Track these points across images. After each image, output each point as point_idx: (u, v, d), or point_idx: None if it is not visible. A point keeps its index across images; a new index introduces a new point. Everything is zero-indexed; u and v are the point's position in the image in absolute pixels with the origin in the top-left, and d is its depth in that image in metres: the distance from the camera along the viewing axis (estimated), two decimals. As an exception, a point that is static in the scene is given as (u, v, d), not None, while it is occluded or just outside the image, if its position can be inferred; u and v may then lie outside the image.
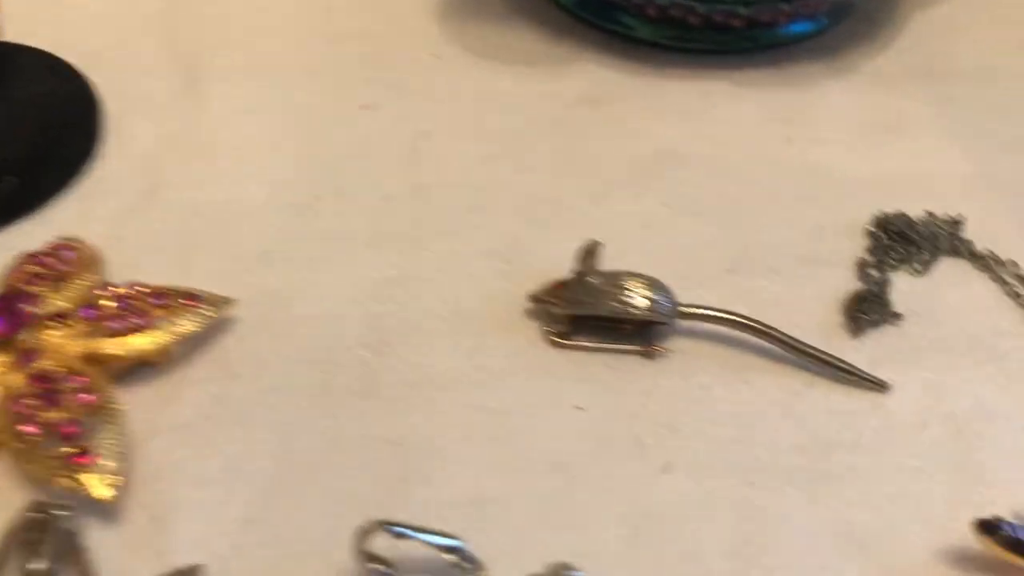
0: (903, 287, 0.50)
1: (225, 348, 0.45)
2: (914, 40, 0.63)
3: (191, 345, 0.44)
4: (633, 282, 0.46)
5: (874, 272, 0.50)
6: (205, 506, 0.40)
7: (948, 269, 0.51)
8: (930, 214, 0.53)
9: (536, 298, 0.46)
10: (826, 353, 0.45)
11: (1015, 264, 0.50)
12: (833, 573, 0.39)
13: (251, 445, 0.42)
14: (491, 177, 0.53)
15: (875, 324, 0.48)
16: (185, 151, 0.53)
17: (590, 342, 0.46)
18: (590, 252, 0.45)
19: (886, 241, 0.51)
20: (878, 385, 0.45)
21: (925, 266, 0.51)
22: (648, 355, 0.46)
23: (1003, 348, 0.47)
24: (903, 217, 0.52)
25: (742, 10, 0.58)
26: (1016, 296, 0.49)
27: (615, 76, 0.59)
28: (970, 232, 0.52)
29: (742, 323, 0.46)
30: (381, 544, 0.37)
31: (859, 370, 0.45)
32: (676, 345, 0.46)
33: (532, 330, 0.47)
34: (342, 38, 0.60)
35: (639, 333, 0.46)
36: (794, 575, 0.39)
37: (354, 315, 0.46)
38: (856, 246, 0.51)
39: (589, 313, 0.46)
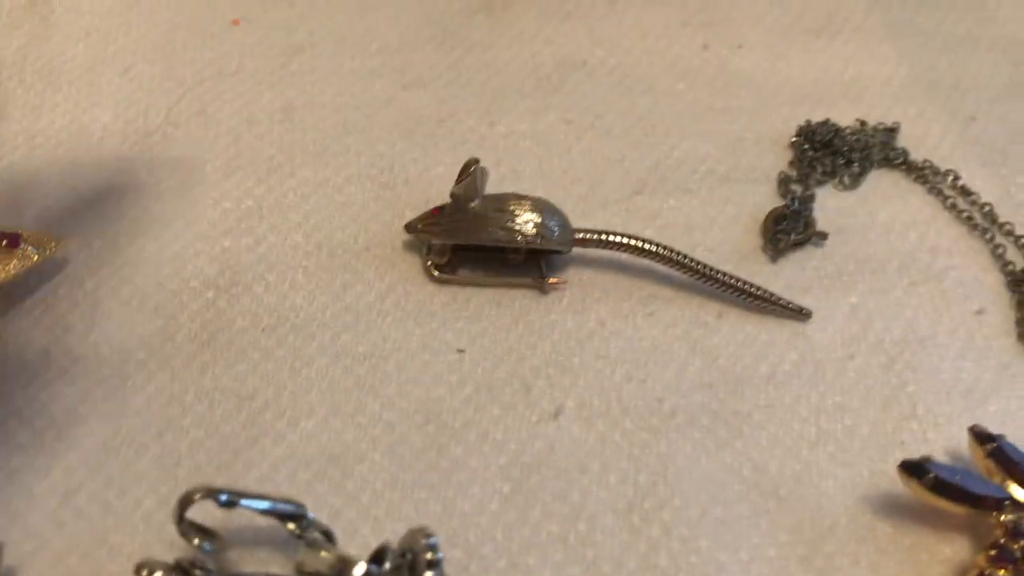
0: (830, 203, 0.44)
1: (56, 295, 0.39)
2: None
3: (16, 292, 0.39)
4: (520, 206, 0.40)
5: (797, 187, 0.45)
6: (20, 475, 0.34)
7: (880, 182, 0.46)
8: (861, 122, 0.48)
9: (411, 227, 0.41)
10: (740, 279, 0.40)
11: (955, 174, 0.45)
12: (743, 526, 0.34)
13: (79, 404, 0.36)
14: (371, 95, 0.47)
15: (797, 245, 0.43)
16: (23, 76, 0.47)
17: (474, 276, 0.41)
18: (470, 171, 0.39)
19: (811, 153, 0.46)
20: (798, 313, 0.40)
21: (855, 179, 0.45)
22: (540, 288, 0.41)
23: (939, 267, 0.42)
24: (830, 126, 0.47)
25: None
26: (955, 209, 0.44)
27: (513, -21, 0.54)
28: (905, 140, 0.47)
29: (646, 249, 0.40)
30: (214, 514, 0.32)
31: (777, 297, 0.40)
32: (571, 276, 0.41)
33: (410, 264, 0.41)
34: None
35: (529, 264, 0.41)
36: (698, 531, 0.34)
37: (202, 252, 0.41)
38: (778, 160, 0.46)
39: (470, 243, 0.40)
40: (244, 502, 0.31)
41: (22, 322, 0.38)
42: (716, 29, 0.52)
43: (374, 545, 0.32)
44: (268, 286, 0.40)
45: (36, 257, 0.39)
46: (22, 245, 0.38)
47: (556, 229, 0.40)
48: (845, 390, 0.38)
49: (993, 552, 0.32)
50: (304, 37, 0.50)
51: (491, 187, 0.41)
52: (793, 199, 0.44)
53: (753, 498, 0.35)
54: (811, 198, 0.44)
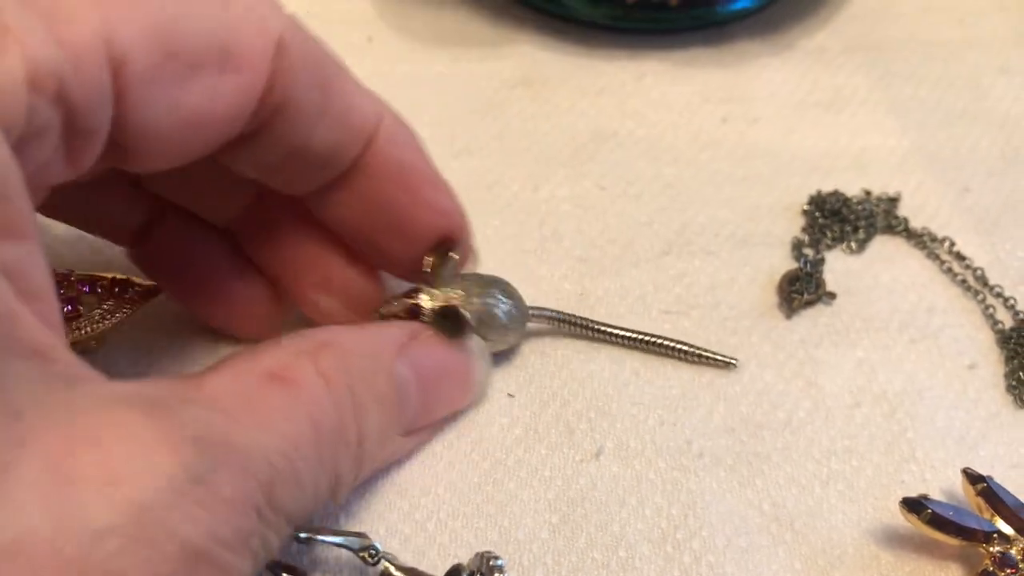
0: (838, 266, 0.50)
1: (153, 336, 0.44)
2: (852, 15, 0.63)
3: (120, 334, 0.44)
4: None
5: (809, 251, 0.50)
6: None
7: (883, 247, 0.51)
8: (866, 192, 0.53)
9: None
10: (669, 339, 0.45)
11: (950, 241, 0.50)
12: (763, 555, 0.39)
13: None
14: (425, 162, 0.53)
15: (809, 304, 0.48)
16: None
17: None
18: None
19: (821, 220, 0.51)
20: (725, 363, 0.45)
21: (860, 244, 0.51)
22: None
23: (935, 326, 0.47)
24: (838, 196, 0.52)
25: (679, -12, 0.57)
26: (950, 273, 0.49)
27: (551, 57, 0.59)
28: (906, 209, 0.52)
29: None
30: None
31: (703, 350, 0.45)
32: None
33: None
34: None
35: None
36: (724, 558, 0.39)
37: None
38: (792, 226, 0.51)
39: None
40: (322, 538, 0.35)
41: (124, 361, 0.43)
42: (734, 104, 0.57)
43: (440, 567, 0.37)
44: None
45: (141, 302, 0.43)
46: (131, 292, 0.43)
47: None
48: (852, 435, 0.43)
49: (982, 579, 0.37)
50: (362, 107, 0.55)
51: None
52: (806, 262, 0.49)
53: (772, 530, 0.40)
54: (822, 261, 0.49)
